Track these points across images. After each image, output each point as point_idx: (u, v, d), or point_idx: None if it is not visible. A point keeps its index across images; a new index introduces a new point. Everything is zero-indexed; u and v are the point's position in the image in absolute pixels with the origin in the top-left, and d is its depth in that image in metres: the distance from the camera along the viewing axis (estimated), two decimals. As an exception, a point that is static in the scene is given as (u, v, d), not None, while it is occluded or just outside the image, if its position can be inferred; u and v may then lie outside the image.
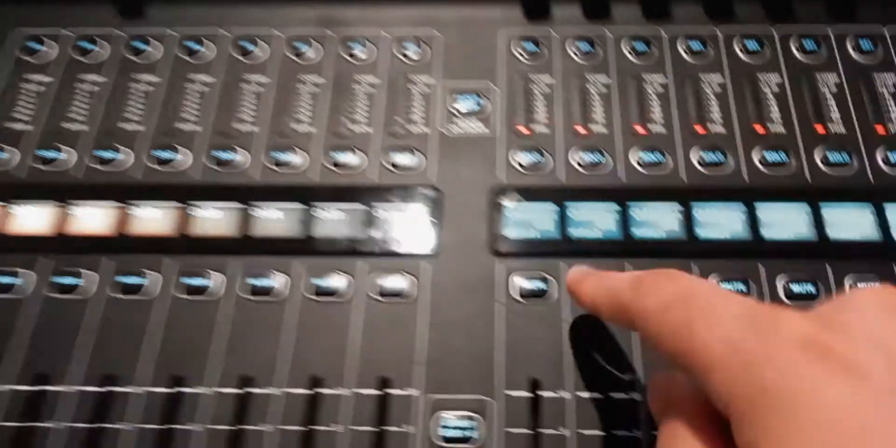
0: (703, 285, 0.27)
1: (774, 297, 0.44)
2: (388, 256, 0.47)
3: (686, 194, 0.48)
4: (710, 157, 0.50)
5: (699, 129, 0.51)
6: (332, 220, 0.48)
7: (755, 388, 0.22)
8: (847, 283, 0.45)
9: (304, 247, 0.47)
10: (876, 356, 0.22)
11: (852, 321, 0.24)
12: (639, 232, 0.47)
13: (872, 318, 0.24)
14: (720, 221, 0.47)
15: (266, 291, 0.46)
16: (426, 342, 0.44)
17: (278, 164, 0.51)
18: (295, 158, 0.51)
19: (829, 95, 0.53)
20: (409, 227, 0.48)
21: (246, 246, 0.47)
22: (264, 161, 0.51)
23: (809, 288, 0.44)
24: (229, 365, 0.43)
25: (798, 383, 0.21)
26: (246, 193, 0.49)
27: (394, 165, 0.50)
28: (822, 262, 0.46)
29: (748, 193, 0.48)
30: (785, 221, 0.47)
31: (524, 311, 0.45)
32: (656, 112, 0.52)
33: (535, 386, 0.42)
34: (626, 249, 0.47)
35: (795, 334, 0.23)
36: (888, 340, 0.22)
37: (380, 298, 0.45)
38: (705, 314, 0.25)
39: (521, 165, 0.50)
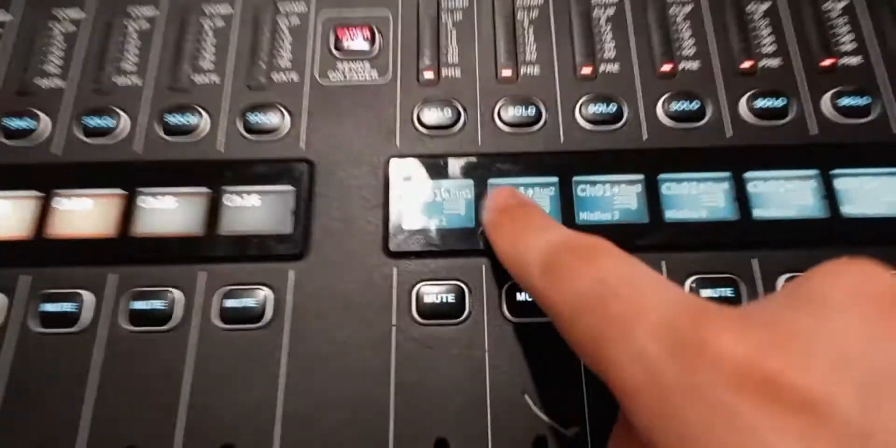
0: (622, 270, 0.22)
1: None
2: (235, 262, 0.33)
3: (655, 162, 0.35)
4: (682, 105, 0.36)
5: (667, 67, 0.37)
6: (161, 210, 0.34)
7: (673, 434, 0.17)
8: None
9: (118, 250, 0.33)
10: (843, 384, 0.16)
11: (811, 327, 0.18)
12: (589, 216, 0.34)
13: (841, 317, 0.18)
14: (700, 196, 0.34)
15: (58, 320, 0.32)
16: (286, 390, 0.30)
17: (89, 132, 0.36)
18: (110, 123, 0.36)
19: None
20: (267, 217, 0.34)
21: (35, 250, 0.33)
22: (72, 128, 0.36)
23: None
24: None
25: (727, 435, 0.16)
26: (42, 176, 0.35)
27: (249, 130, 0.36)
28: None
29: (735, 156, 0.35)
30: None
31: (431, 339, 0.31)
32: (610, 47, 0.38)
33: (439, 449, 0.29)
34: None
35: (728, 359, 0.17)
36: (863, 354, 0.17)
37: (221, 325, 0.32)
38: (619, 323, 0.20)
39: (425, 126, 0.36)
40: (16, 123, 0.36)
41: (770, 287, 0.32)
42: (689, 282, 0.32)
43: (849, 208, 0.34)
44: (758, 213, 0.34)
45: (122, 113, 0.36)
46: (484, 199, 0.33)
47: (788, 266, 0.32)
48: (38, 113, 0.36)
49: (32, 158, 0.35)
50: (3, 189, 0.35)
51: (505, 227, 0.29)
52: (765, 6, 0.38)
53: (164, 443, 0.30)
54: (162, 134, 0.36)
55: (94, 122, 0.36)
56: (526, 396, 0.30)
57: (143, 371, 0.31)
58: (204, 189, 0.34)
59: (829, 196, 0.34)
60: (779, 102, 0.36)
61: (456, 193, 0.34)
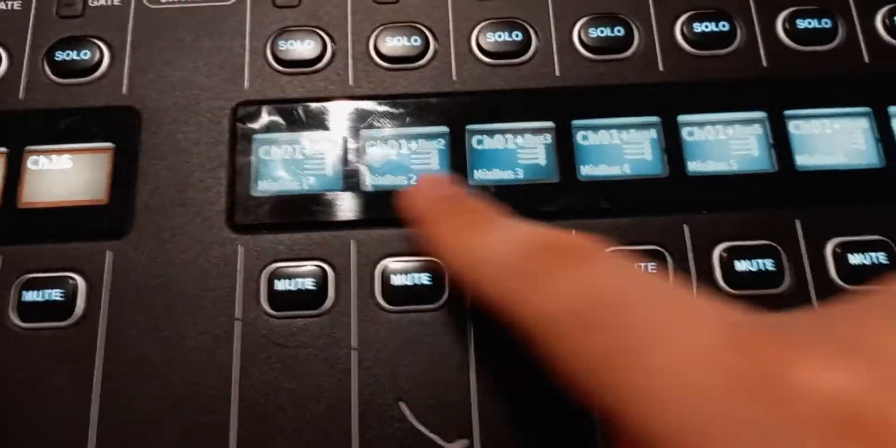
0: (624, 276, 0.18)
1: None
2: (37, 242, 0.26)
3: (566, 103, 0.28)
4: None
5: None
6: (-59, 176, 0.27)
7: None
8: None
9: None
10: None
11: None
12: (484, 174, 0.27)
13: None
14: (621, 150, 0.27)
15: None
16: (101, 403, 0.24)
17: None
18: None
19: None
20: (79, 184, 0.27)
21: None
22: None
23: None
24: None
25: None
26: None
27: (57, 72, 0.28)
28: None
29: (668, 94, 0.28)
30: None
31: (284, 333, 0.25)
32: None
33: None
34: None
35: (821, 398, 0.13)
36: None
37: (20, 324, 0.25)
38: (642, 344, 0.15)
39: (281, 62, 0.28)
40: None
41: (702, 256, 0.26)
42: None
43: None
44: (693, 167, 0.27)
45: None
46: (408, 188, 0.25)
47: (725, 234, 0.26)
48: None
49: None
50: None
51: (447, 219, 0.22)
52: None
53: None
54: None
55: None
56: (401, 404, 0.24)
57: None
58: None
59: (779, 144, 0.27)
60: (723, 26, 0.29)
61: (320, 149, 0.27)
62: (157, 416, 0.24)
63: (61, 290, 0.25)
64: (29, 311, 0.25)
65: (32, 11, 0.29)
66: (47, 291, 0.25)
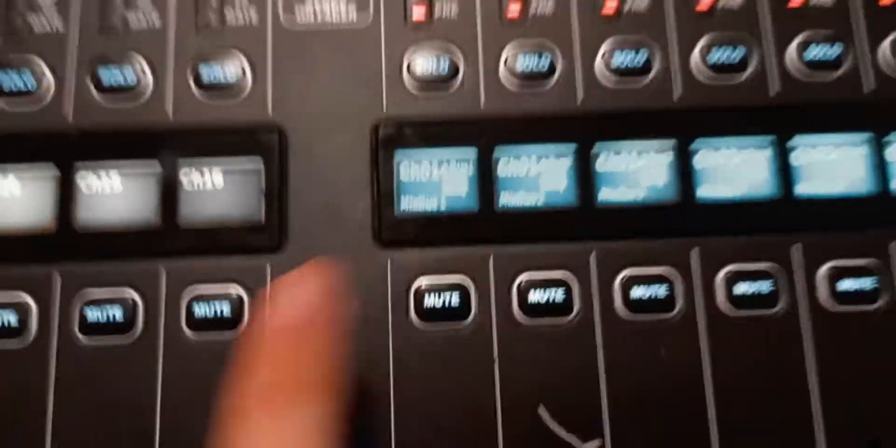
0: None
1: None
2: (194, 256, 0.28)
3: (686, 124, 0.30)
4: (724, 55, 0.30)
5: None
6: (102, 193, 0.29)
7: None
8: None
9: (57, 243, 0.28)
10: None
11: None
12: (607, 194, 0.29)
13: None
14: (740, 170, 0.29)
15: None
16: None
17: (7, 91, 0.29)
18: (28, 81, 0.29)
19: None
20: (229, 200, 0.29)
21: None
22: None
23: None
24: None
25: None
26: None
27: (202, 87, 0.30)
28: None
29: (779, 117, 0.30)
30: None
31: (432, 344, 0.28)
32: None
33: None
34: (590, 224, 0.29)
35: None
36: None
37: (188, 334, 0.27)
38: None
39: (416, 80, 0.30)
40: None
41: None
42: (723, 272, 0.28)
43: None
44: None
45: (38, 64, 0.29)
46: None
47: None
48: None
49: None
50: None
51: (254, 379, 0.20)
52: None
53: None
54: (94, 94, 0.29)
55: (5, 79, 0.29)
56: (541, 408, 0.27)
57: (105, 388, 0.27)
58: (152, 166, 0.29)
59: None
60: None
61: (457, 167, 0.29)
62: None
63: (227, 302, 0.27)
64: (199, 322, 0.27)
65: (173, 28, 0.30)
66: (214, 303, 0.27)
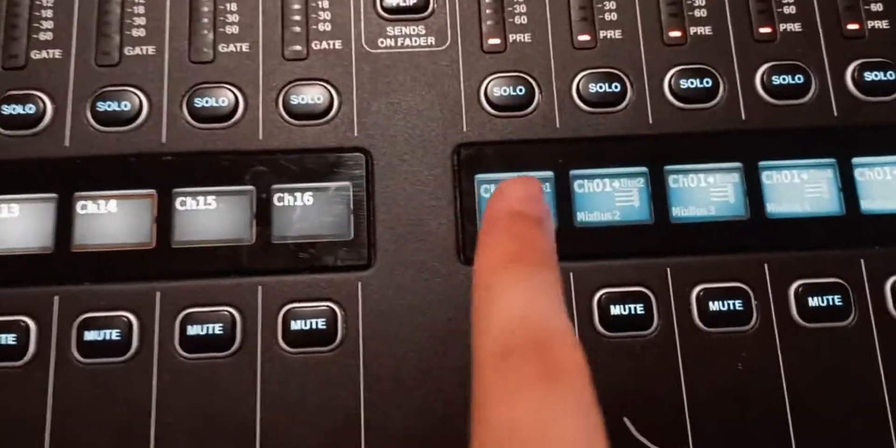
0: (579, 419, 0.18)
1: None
2: (289, 274, 0.29)
3: (748, 147, 0.31)
4: (786, 79, 0.32)
5: (675, 34, 0.32)
6: (199, 212, 0.30)
7: None
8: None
9: (153, 263, 0.29)
10: None
11: None
12: (681, 212, 0.31)
13: None
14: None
15: (104, 349, 0.28)
16: (364, 426, 0.28)
17: (98, 117, 0.30)
18: (122, 106, 0.30)
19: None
20: (319, 219, 0.30)
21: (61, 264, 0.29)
22: (73, 113, 0.30)
23: None
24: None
25: None
26: (59, 171, 0.30)
27: (290, 113, 0.31)
28: None
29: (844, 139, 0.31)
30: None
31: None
32: (700, 3, 0.33)
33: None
34: (663, 240, 0.30)
35: None
36: None
37: (286, 349, 0.29)
38: None
39: (495, 106, 0.31)
40: None
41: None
42: (794, 286, 0.29)
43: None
44: (866, 205, 0.31)
45: (138, 93, 0.31)
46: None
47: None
48: None
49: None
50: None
51: (503, 241, 0.21)
52: None
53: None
54: (187, 119, 0.31)
55: (104, 106, 0.30)
56: (626, 420, 0.28)
57: (208, 401, 0.28)
58: (245, 187, 0.30)
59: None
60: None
61: (535, 187, 0.30)
62: (420, 432, 0.28)
63: (323, 319, 0.29)
64: (296, 337, 0.28)
65: (260, 54, 0.31)
66: (311, 320, 0.29)
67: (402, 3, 0.32)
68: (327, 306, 0.29)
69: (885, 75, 0.32)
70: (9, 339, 0.28)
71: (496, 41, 0.32)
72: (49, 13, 0.31)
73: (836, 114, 0.31)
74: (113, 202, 0.30)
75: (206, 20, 0.31)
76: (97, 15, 0.31)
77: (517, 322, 0.19)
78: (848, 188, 0.31)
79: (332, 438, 0.28)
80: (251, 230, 0.29)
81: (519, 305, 0.19)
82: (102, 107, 0.30)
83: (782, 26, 0.32)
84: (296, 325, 0.28)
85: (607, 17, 0.32)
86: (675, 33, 0.32)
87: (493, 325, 0.19)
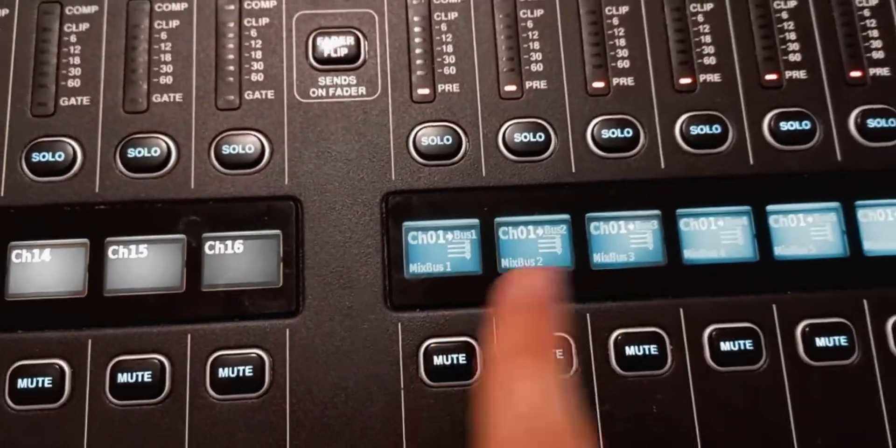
0: None
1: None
2: (218, 321, 0.30)
3: (667, 195, 0.32)
4: (701, 129, 0.33)
5: (686, 80, 0.34)
6: (131, 261, 0.30)
7: None
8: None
9: (83, 310, 0.30)
10: None
11: None
12: (602, 258, 0.32)
13: None
14: (719, 236, 0.32)
15: (36, 396, 0.29)
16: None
17: (36, 169, 0.31)
18: (56, 156, 0.31)
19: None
20: (249, 267, 0.31)
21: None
22: (16, 166, 0.31)
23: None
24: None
25: None
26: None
27: (222, 162, 0.32)
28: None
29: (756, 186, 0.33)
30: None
31: (442, 402, 0.30)
32: (623, 55, 0.34)
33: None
34: (583, 286, 0.31)
35: None
36: None
37: (213, 395, 0.29)
38: None
39: (423, 155, 0.32)
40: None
41: (787, 333, 0.31)
42: (708, 331, 0.31)
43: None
44: (779, 251, 0.32)
45: (72, 143, 0.31)
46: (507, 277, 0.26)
47: (809, 311, 0.31)
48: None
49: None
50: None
51: (516, 330, 0.23)
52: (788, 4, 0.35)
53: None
54: (120, 170, 0.31)
55: (38, 156, 0.31)
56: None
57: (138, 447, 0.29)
58: (175, 236, 0.31)
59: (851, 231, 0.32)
60: (805, 124, 0.33)
61: (459, 235, 0.31)
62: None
63: (250, 366, 0.29)
64: (224, 384, 0.29)
65: (193, 104, 0.32)
66: (238, 367, 0.29)
67: (333, 54, 0.33)
68: (255, 353, 0.30)
69: (800, 125, 0.33)
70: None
71: (425, 91, 0.33)
72: (-18, 65, 0.32)
73: (751, 162, 0.33)
74: (47, 251, 0.30)
75: (140, 70, 0.32)
76: (33, 65, 0.32)
77: (532, 419, 0.20)
78: (762, 234, 0.32)
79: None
80: (181, 278, 0.30)
81: (533, 403, 0.21)
82: (37, 157, 0.31)
83: (702, 77, 0.34)
84: (223, 372, 0.29)
85: (533, 68, 0.33)
86: (599, 84, 0.33)
87: (506, 419, 0.21)
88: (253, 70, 0.33)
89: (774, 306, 0.31)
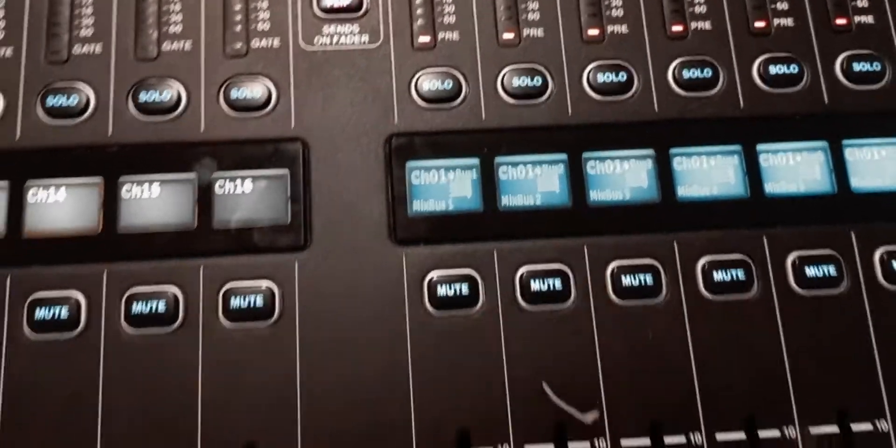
0: None
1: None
2: (228, 255, 0.31)
3: (661, 135, 0.34)
4: (693, 73, 0.34)
5: (678, 28, 0.35)
6: (144, 200, 0.31)
7: None
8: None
9: (98, 246, 0.31)
10: None
11: None
12: (598, 195, 0.33)
13: None
14: (711, 174, 0.33)
15: (51, 325, 0.30)
16: (300, 394, 0.30)
17: (51, 112, 0.32)
18: (71, 100, 0.32)
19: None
20: (258, 204, 0.32)
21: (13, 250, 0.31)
22: (32, 108, 0.32)
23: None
24: None
25: None
26: (10, 161, 0.32)
27: (231, 105, 0.33)
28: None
29: (748, 127, 0.34)
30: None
31: (445, 330, 0.31)
32: (617, 4, 0.35)
33: (465, 443, 0.29)
34: (578, 222, 0.32)
35: None
36: None
37: (225, 323, 0.30)
38: None
39: (424, 99, 0.33)
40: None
41: (778, 264, 0.32)
42: (701, 262, 0.32)
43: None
44: (770, 188, 0.33)
45: (85, 88, 0.32)
46: None
47: (800, 244, 0.32)
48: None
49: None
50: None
51: None
52: None
53: (185, 446, 0.29)
54: (133, 112, 0.32)
55: (53, 101, 0.32)
56: (545, 384, 0.30)
57: (151, 376, 0.30)
58: (187, 175, 0.32)
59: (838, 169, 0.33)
60: (792, 68, 0.34)
61: (461, 174, 0.33)
62: (348, 398, 0.30)
63: (261, 296, 0.30)
64: (236, 314, 0.30)
65: (202, 52, 0.33)
66: (250, 297, 0.30)
67: (337, 4, 0.34)
68: (265, 285, 0.31)
69: (788, 68, 0.34)
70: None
71: (426, 39, 0.34)
72: (0, 13, 0.33)
73: (742, 104, 0.34)
74: (62, 189, 0.31)
75: (151, 20, 0.33)
76: (47, 15, 0.33)
77: None
78: (753, 172, 0.33)
79: (269, 406, 0.29)
80: (193, 216, 0.31)
81: None
82: (52, 101, 0.32)
83: (693, 24, 0.35)
84: (235, 301, 0.30)
85: (530, 16, 0.35)
86: (594, 31, 0.35)
87: None
88: (259, 19, 0.34)
89: (765, 239, 0.32)
